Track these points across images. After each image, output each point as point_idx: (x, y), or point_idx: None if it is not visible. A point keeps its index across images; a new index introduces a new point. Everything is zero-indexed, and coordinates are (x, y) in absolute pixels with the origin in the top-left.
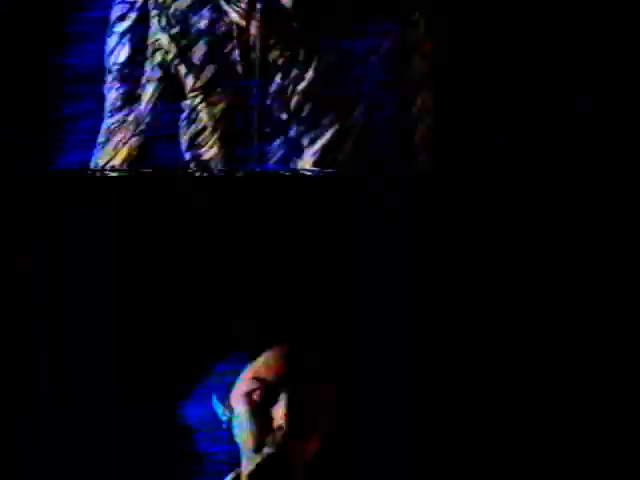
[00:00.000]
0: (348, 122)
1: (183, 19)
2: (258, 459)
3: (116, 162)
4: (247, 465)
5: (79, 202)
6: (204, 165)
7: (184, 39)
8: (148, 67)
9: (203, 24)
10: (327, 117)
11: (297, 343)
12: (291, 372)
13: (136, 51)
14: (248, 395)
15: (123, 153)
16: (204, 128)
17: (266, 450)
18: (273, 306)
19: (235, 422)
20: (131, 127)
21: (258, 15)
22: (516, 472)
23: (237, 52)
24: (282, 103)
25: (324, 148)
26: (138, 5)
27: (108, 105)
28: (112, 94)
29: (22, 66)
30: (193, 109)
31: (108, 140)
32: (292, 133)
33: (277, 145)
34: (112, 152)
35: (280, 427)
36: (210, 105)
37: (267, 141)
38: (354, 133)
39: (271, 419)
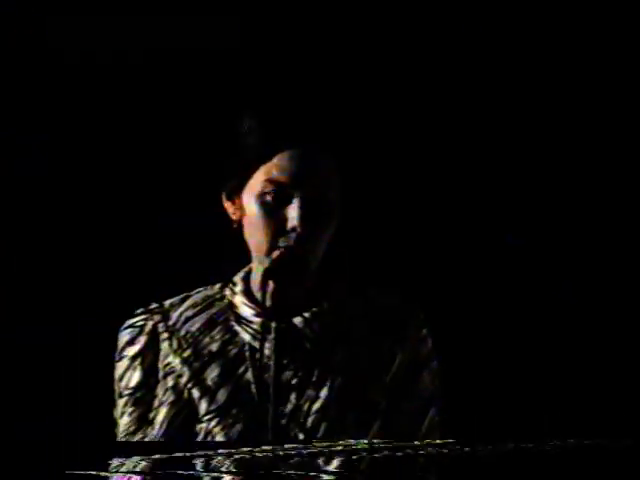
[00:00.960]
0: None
1: (194, 341)
2: (269, 261)
3: None
4: (258, 265)
5: None
6: None
7: (196, 362)
8: (160, 390)
9: (215, 346)
10: (343, 436)
11: (310, 144)
12: (305, 174)
13: (148, 374)
14: (261, 196)
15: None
16: None
17: (278, 252)
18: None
19: (247, 223)
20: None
21: (271, 336)
22: None
23: (250, 373)
24: (298, 423)
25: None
26: (148, 329)
27: (121, 430)
28: (125, 419)
29: None
30: (208, 433)
31: (123, 464)
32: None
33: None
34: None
35: (294, 228)
36: (226, 428)
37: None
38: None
39: (285, 220)
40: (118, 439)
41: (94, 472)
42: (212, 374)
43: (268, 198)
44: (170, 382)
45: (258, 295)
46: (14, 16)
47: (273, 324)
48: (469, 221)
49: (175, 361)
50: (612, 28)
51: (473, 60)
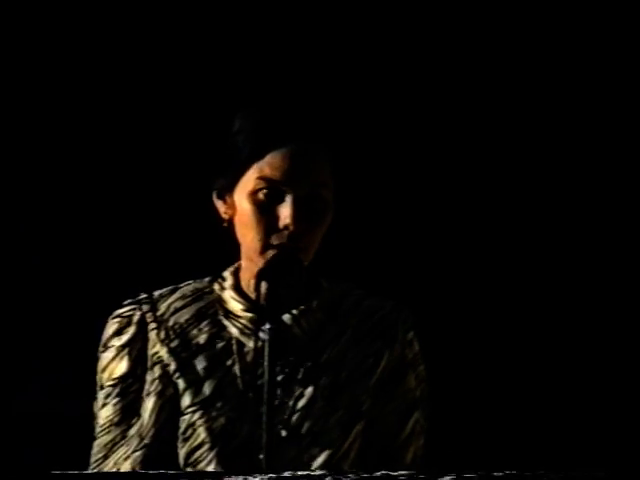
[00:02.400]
0: (347, 440)
1: (182, 332)
2: (262, 260)
3: None
4: (249, 266)
5: None
6: None
7: (184, 353)
8: (148, 380)
9: (202, 338)
10: (327, 434)
11: (303, 142)
12: (298, 172)
13: (135, 365)
14: (254, 194)
15: (127, 468)
16: (201, 444)
17: (271, 252)
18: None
19: (238, 221)
20: (133, 442)
21: (265, 337)
22: None
23: (237, 367)
24: (282, 420)
25: (324, 466)
26: (136, 319)
27: (102, 421)
28: (107, 410)
29: None
30: (191, 425)
31: (106, 457)
32: (292, 450)
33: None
34: (113, 468)
35: (287, 226)
36: (209, 421)
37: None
38: (352, 451)
39: (277, 219)
40: (97, 433)
41: (77, 472)
42: (199, 366)
43: (261, 196)
44: (157, 372)
45: (247, 291)
46: None
47: (267, 325)
48: (464, 224)
49: (162, 351)
50: (612, 28)
51: (466, 49)
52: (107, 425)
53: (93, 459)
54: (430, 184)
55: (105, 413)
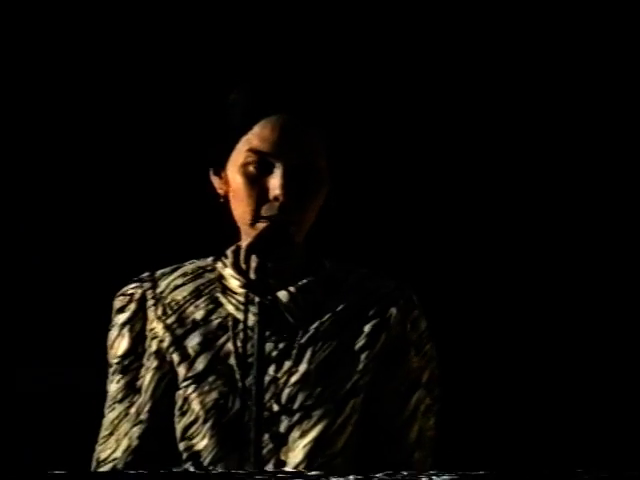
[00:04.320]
0: (342, 415)
1: (179, 309)
2: (254, 233)
3: (117, 454)
4: (245, 239)
5: None
6: (197, 456)
7: (179, 329)
8: (146, 356)
9: (199, 315)
10: (319, 410)
11: (292, 114)
12: (286, 142)
13: (136, 342)
14: (243, 167)
15: (125, 444)
16: (196, 419)
17: (261, 224)
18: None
19: (231, 195)
20: (132, 418)
21: (254, 310)
22: None
23: (231, 343)
24: (273, 395)
25: (316, 440)
26: (137, 297)
27: (109, 398)
28: (113, 387)
29: None
30: (185, 399)
31: (111, 434)
32: (283, 425)
33: (267, 437)
34: (114, 444)
35: (277, 197)
36: (202, 395)
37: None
38: (347, 426)
39: (267, 190)
40: (106, 409)
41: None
42: (193, 341)
43: (250, 168)
44: (154, 348)
45: (244, 267)
46: None
47: (256, 299)
48: (468, 206)
49: (158, 327)
50: (612, 28)
51: (464, 31)
52: (112, 402)
53: (100, 435)
54: (435, 162)
55: (111, 390)
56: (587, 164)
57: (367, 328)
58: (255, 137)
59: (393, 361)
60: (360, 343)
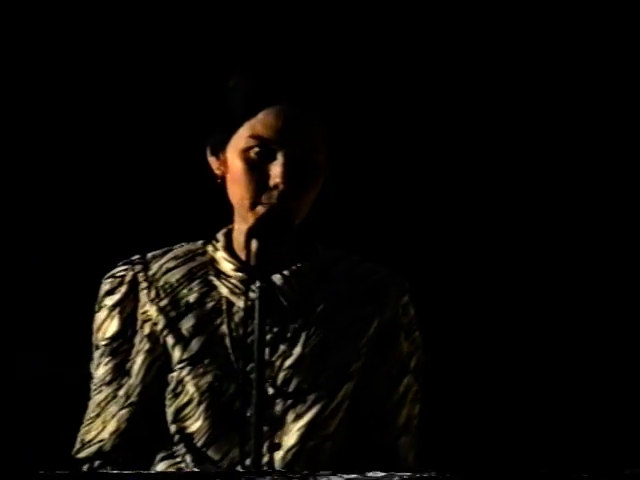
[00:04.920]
0: (335, 399)
1: (172, 292)
2: (252, 217)
3: (104, 435)
4: (240, 226)
5: None
6: (189, 438)
7: (173, 311)
8: (137, 339)
9: (192, 297)
10: (314, 393)
11: (297, 103)
12: (290, 131)
13: (126, 324)
14: (245, 152)
15: (113, 426)
16: (190, 401)
17: (260, 208)
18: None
19: (230, 179)
20: (121, 400)
21: (254, 295)
22: None
23: (226, 326)
24: (269, 378)
25: (310, 424)
26: (128, 279)
27: (96, 381)
28: (100, 369)
29: None
30: (180, 381)
31: (98, 415)
32: (278, 408)
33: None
34: (101, 426)
35: (277, 185)
36: (196, 377)
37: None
38: (340, 410)
39: (268, 177)
40: (92, 392)
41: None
42: (187, 324)
43: (252, 154)
44: (146, 330)
45: (239, 251)
46: None
47: (257, 283)
48: (462, 196)
49: (152, 310)
50: (612, 28)
51: (459, 24)
52: (99, 384)
53: (86, 417)
54: (428, 151)
55: (99, 372)
56: (582, 162)
57: (361, 313)
58: (259, 123)
59: (385, 344)
60: (354, 328)
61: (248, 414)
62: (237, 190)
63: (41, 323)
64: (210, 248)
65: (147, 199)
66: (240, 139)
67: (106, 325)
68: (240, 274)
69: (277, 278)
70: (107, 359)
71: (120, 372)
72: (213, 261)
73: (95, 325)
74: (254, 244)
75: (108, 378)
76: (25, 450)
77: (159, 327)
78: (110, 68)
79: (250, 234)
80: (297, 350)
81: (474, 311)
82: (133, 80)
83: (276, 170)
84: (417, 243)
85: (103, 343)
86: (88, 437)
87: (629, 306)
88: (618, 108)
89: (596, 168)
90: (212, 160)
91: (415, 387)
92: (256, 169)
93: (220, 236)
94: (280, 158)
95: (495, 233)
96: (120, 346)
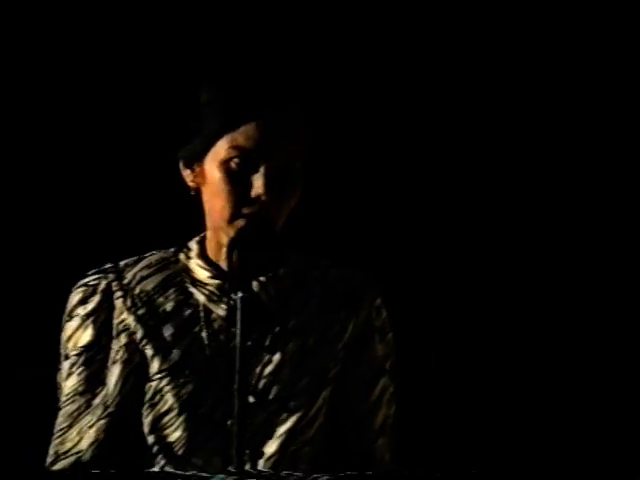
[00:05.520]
0: (315, 405)
1: (149, 300)
2: (232, 229)
3: (82, 446)
4: (215, 235)
5: None
6: (169, 448)
7: (151, 320)
8: (114, 348)
9: (169, 306)
10: (294, 401)
11: (277, 113)
12: (271, 142)
13: (100, 333)
14: (225, 163)
15: (91, 436)
16: (169, 410)
17: (240, 220)
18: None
19: (208, 190)
20: (98, 410)
21: (236, 305)
22: None
23: (205, 334)
24: (249, 386)
25: (290, 431)
26: (102, 288)
27: (67, 391)
28: (72, 379)
29: None
30: (158, 391)
31: (70, 426)
32: (258, 416)
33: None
34: (77, 437)
35: (259, 196)
36: (177, 387)
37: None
38: (319, 416)
39: (249, 188)
40: (62, 402)
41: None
42: (166, 333)
43: (232, 165)
44: (123, 340)
45: (214, 258)
46: None
47: (240, 294)
48: (437, 201)
49: (129, 319)
50: (612, 28)
51: (437, 34)
52: (72, 394)
53: (57, 428)
54: (401, 155)
55: (70, 382)
56: (566, 161)
57: (336, 318)
58: (239, 134)
59: (360, 347)
60: (331, 333)
61: (229, 423)
62: (217, 201)
63: (41, 322)
64: (182, 256)
65: (117, 207)
66: (220, 150)
67: (79, 334)
68: (217, 281)
69: (254, 285)
70: (80, 369)
71: (94, 382)
72: (187, 269)
73: (65, 335)
74: (236, 255)
75: (81, 388)
76: (25, 450)
77: (138, 336)
78: (85, 80)
79: (233, 245)
80: (276, 357)
81: (455, 311)
82: (105, 93)
83: (258, 181)
84: (391, 244)
85: (75, 353)
86: (63, 448)
87: (619, 310)
88: (618, 108)
89: (584, 169)
90: (186, 173)
91: (391, 388)
92: (237, 180)
93: (193, 244)
94: (262, 169)
95: (473, 232)
96: (94, 355)
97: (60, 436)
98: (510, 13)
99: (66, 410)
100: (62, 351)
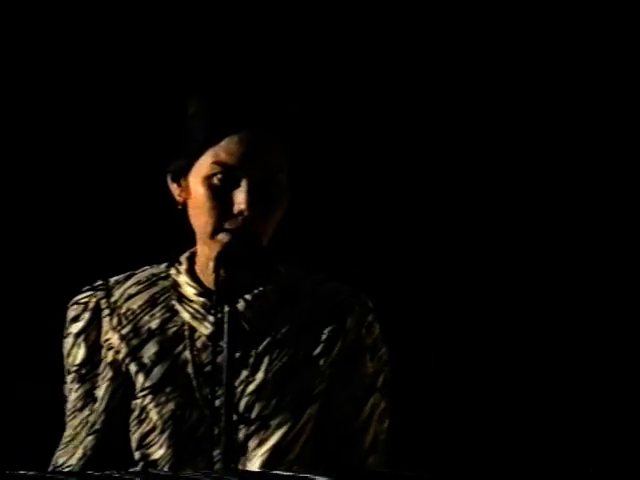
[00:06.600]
0: (298, 423)
1: (134, 319)
2: (215, 244)
3: (72, 461)
4: (203, 250)
5: None
6: (153, 466)
7: (135, 339)
8: (102, 366)
9: (154, 324)
10: (277, 418)
11: (259, 129)
12: (253, 157)
13: (92, 351)
14: (208, 178)
15: (79, 452)
16: (153, 428)
17: (223, 235)
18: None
19: (192, 205)
20: (86, 428)
21: (224, 319)
22: None
23: (188, 352)
24: (231, 404)
25: (273, 449)
26: (92, 306)
27: (70, 406)
28: (72, 395)
29: None
30: (143, 409)
31: (72, 440)
32: (240, 435)
33: (225, 446)
34: (72, 451)
35: (241, 212)
36: (159, 405)
37: (215, 443)
38: (303, 434)
39: (232, 203)
40: (67, 416)
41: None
42: (149, 352)
43: (215, 180)
44: (109, 358)
45: (201, 275)
46: None
47: (226, 308)
48: (424, 209)
49: (113, 337)
50: (612, 28)
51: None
52: (72, 410)
53: (62, 442)
54: (394, 163)
55: (71, 398)
56: (563, 162)
57: (323, 335)
58: (222, 150)
59: (349, 366)
60: (317, 350)
61: (214, 438)
62: (200, 216)
63: (40, 323)
64: (173, 271)
65: (122, 215)
66: (203, 166)
67: (74, 352)
68: (202, 299)
69: (240, 303)
70: (77, 385)
71: (90, 398)
72: (176, 285)
73: (64, 351)
74: (223, 271)
75: (80, 404)
76: (25, 450)
77: (121, 355)
78: (73, 89)
79: (219, 261)
80: (259, 376)
81: (453, 316)
82: (92, 106)
83: (240, 197)
84: (386, 251)
85: (73, 369)
86: (60, 461)
87: (619, 310)
88: (618, 108)
89: (584, 169)
90: (173, 187)
91: (383, 405)
92: (220, 195)
93: (183, 259)
94: (244, 185)
95: (470, 238)
96: (88, 372)
97: (62, 449)
98: (510, 13)
99: (70, 424)
100: (65, 366)
